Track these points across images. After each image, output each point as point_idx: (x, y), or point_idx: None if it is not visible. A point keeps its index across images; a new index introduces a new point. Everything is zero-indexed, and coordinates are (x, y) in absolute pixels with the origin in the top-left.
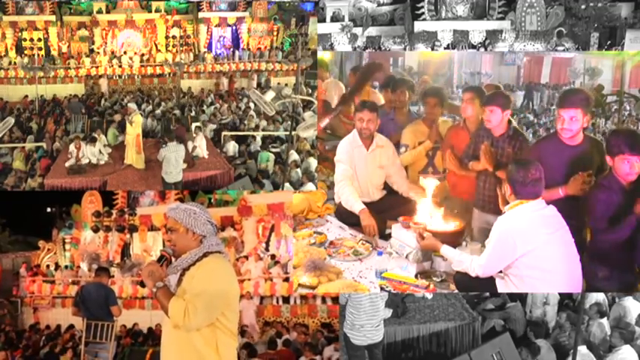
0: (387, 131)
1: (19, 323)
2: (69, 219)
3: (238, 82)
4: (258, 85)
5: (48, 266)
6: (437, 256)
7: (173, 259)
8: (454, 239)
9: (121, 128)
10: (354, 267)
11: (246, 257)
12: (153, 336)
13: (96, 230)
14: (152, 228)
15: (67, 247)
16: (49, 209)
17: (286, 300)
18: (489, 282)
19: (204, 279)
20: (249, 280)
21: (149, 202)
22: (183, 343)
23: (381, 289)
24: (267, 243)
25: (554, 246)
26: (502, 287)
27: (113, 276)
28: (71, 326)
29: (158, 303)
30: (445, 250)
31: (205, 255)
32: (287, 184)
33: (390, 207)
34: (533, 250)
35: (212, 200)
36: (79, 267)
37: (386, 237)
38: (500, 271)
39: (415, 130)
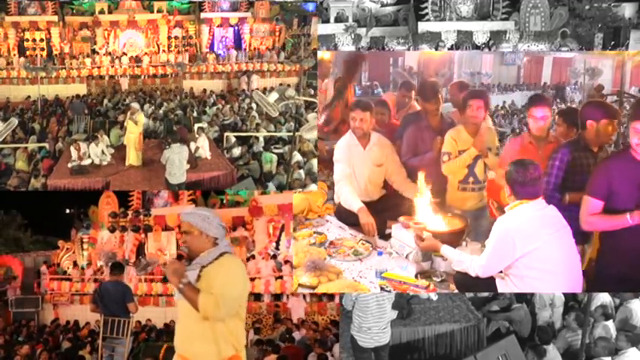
0: (423, 138)
1: (40, 319)
2: (87, 219)
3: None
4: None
5: (58, 264)
6: (437, 256)
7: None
8: (454, 239)
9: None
10: (354, 267)
11: (253, 256)
12: (168, 331)
13: (112, 230)
14: (166, 228)
15: (85, 246)
16: (67, 210)
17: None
18: (489, 282)
19: (228, 276)
20: (259, 278)
21: (163, 203)
22: (205, 330)
23: (381, 289)
24: (278, 242)
25: (554, 246)
26: (502, 287)
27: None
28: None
29: (185, 297)
30: (445, 250)
31: (221, 254)
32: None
33: (390, 207)
34: (533, 251)
35: (224, 201)
36: (86, 266)
37: (386, 237)
38: (501, 271)
39: (457, 137)
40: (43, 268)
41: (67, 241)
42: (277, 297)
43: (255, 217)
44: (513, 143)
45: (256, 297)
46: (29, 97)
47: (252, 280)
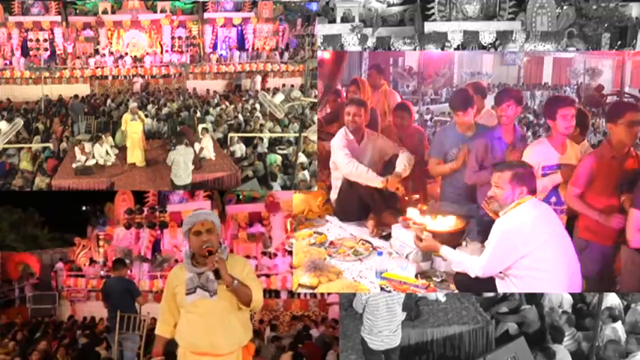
0: (493, 152)
1: (57, 315)
2: (102, 216)
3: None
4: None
5: (74, 261)
6: (437, 256)
7: None
8: (454, 239)
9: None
10: (354, 267)
11: (269, 252)
12: None
13: (128, 227)
14: (182, 224)
15: (101, 243)
16: (84, 207)
17: (314, 294)
18: (489, 282)
19: (252, 270)
20: (276, 274)
21: (179, 199)
22: (231, 321)
23: (381, 289)
24: None
25: (553, 245)
26: (502, 287)
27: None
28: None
29: (237, 293)
30: (445, 251)
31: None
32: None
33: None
34: (534, 251)
35: (240, 196)
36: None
37: (386, 237)
38: (500, 272)
39: (543, 152)
40: (59, 265)
41: (84, 238)
42: (292, 294)
43: (272, 212)
44: (591, 161)
45: (270, 294)
46: (27, 102)
47: (267, 276)
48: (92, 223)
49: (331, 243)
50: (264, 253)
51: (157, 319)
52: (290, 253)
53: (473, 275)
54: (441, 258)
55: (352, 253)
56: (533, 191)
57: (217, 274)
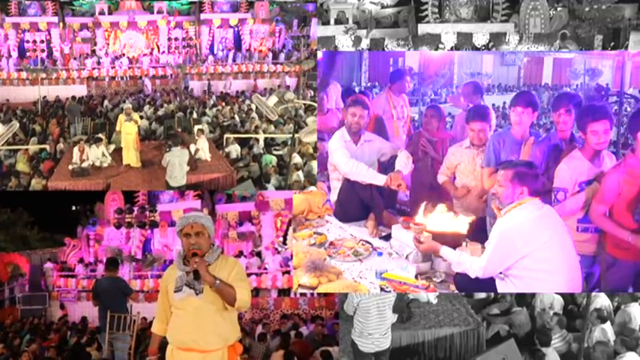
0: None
1: (47, 316)
2: (92, 216)
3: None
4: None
5: (65, 262)
6: (437, 257)
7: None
8: (454, 240)
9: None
10: (354, 267)
11: (259, 252)
12: None
13: (118, 227)
14: (172, 224)
15: (91, 243)
16: (74, 207)
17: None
18: (489, 283)
19: (242, 270)
20: (266, 273)
21: (169, 199)
22: (220, 320)
23: (381, 289)
24: (285, 237)
25: (554, 246)
26: (502, 288)
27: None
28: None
29: (221, 292)
30: (445, 251)
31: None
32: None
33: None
34: (533, 251)
35: (231, 195)
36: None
37: (386, 237)
38: (500, 272)
39: (577, 167)
40: (48, 265)
41: (74, 238)
42: (283, 292)
43: (262, 211)
44: (618, 175)
45: (257, 292)
46: (18, 109)
47: (258, 275)
48: (82, 223)
49: (331, 243)
50: (259, 253)
51: (147, 319)
52: (279, 252)
53: (473, 276)
54: (441, 258)
55: (352, 253)
56: (534, 193)
57: (197, 274)
